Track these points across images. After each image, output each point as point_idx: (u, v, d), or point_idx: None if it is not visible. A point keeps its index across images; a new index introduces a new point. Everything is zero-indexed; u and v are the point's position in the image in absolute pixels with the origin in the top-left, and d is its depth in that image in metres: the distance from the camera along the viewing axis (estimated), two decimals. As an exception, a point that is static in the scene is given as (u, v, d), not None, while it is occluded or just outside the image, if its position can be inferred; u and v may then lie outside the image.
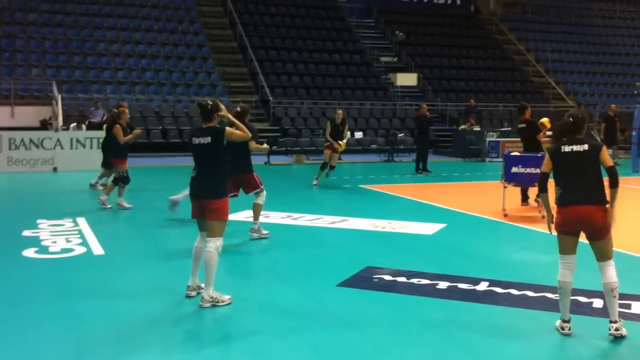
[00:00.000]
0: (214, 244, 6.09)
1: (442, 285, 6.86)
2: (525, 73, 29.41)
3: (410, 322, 5.79)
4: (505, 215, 10.84)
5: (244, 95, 24.16)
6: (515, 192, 11.68)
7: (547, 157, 5.58)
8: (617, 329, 5.35)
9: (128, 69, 23.91)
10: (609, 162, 5.41)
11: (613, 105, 21.15)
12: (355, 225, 9.98)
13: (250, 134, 6.47)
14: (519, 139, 20.97)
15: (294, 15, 28.65)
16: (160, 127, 21.46)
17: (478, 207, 11.84)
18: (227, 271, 7.30)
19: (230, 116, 6.47)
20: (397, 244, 8.97)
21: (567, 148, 5.41)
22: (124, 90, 23.05)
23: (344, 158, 19.52)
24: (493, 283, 6.90)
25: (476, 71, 28.55)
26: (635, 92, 19.07)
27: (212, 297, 6.06)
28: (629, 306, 6.22)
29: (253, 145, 8.54)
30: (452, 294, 6.61)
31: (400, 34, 28.53)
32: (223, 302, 6.11)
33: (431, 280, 7.02)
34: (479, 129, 22.38)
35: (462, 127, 22.67)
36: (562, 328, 5.50)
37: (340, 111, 14.61)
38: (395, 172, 17.65)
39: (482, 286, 6.81)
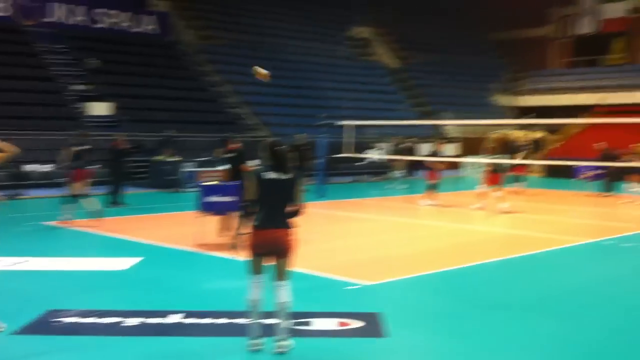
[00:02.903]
0: None
1: (134, 321, 6.58)
2: (223, 104, 30.27)
3: (96, 366, 5.41)
4: (202, 245, 10.86)
5: None
6: (212, 221, 11.77)
7: (251, 183, 5.81)
8: (285, 346, 5.75)
9: None
10: (300, 198, 5.88)
11: (303, 135, 22.70)
12: (37, 266, 9.14)
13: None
14: (214, 169, 21.60)
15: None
16: None
17: (175, 238, 11.69)
18: None
19: None
20: (87, 283, 8.41)
21: (270, 175, 5.76)
22: None
23: (27, 193, 18.14)
24: (189, 314, 6.84)
25: (175, 101, 28.55)
26: (318, 123, 20.78)
27: None
28: (309, 323, 6.58)
29: None
30: (143, 330, 6.38)
31: (96, 60, 27.40)
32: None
33: (123, 317, 6.71)
34: (177, 159, 22.37)
35: (159, 157, 22.47)
36: (252, 345, 5.78)
37: None
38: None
39: (176, 318, 6.71)
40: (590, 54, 41.09)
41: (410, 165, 25.30)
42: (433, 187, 17.78)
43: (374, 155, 25.15)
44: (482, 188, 16.97)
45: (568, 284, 8.99)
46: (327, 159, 20.83)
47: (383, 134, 29.20)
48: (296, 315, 6.56)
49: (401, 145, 26.35)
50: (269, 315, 6.12)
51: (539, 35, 42.17)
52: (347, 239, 12.37)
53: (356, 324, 6.65)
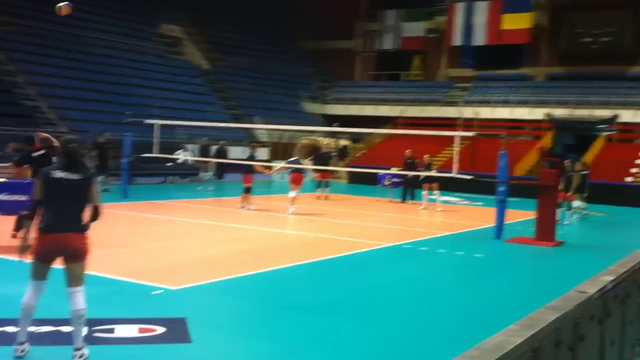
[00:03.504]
0: None
1: None
2: (15, 96, 27.92)
3: None
4: (-13, 246, 9.82)
5: None
6: (5, 221, 10.69)
7: (39, 182, 5.38)
8: (81, 355, 5.32)
9: None
10: (96, 199, 5.53)
11: (106, 133, 21.58)
12: None
13: None
14: (8, 165, 19.84)
15: None
16: None
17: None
18: None
19: None
20: None
21: (59, 174, 5.33)
22: None
23: None
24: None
25: (-41, 90, 25.90)
26: (124, 121, 19.87)
27: None
28: (112, 330, 6.16)
29: None
30: None
31: None
32: None
33: None
34: (-38, 152, 20.25)
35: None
36: (16, 350, 5.33)
37: None
38: None
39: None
40: (392, 69, 43.67)
41: (220, 167, 25.07)
42: (248, 191, 17.73)
43: (184, 156, 24.56)
44: (293, 192, 17.26)
45: (369, 285, 9.30)
46: (133, 159, 19.97)
47: (193, 135, 28.69)
48: (95, 322, 6.12)
49: (214, 147, 26.05)
50: (65, 322, 5.62)
51: (346, 48, 43.99)
52: (152, 242, 11.87)
53: (159, 329, 6.33)
